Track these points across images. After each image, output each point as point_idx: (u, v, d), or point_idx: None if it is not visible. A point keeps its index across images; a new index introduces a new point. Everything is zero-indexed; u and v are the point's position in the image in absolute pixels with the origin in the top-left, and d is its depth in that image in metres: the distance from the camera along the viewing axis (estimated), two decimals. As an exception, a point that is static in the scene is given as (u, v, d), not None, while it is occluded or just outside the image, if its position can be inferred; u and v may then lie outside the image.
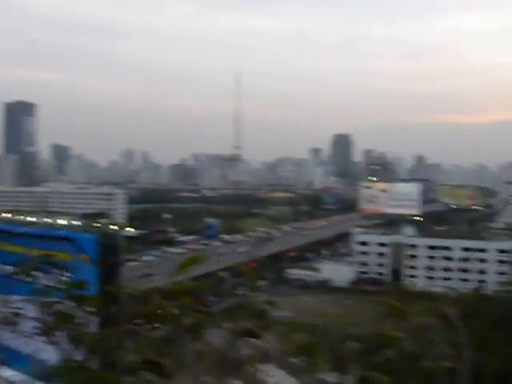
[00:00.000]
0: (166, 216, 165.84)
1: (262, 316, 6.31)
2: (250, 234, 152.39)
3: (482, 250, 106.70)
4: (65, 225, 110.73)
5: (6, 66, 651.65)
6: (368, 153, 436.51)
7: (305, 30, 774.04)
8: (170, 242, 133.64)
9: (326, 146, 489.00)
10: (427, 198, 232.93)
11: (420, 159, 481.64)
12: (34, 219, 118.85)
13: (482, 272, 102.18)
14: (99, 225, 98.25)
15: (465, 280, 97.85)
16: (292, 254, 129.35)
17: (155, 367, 5.66)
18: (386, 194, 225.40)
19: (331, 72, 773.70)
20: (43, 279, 10.41)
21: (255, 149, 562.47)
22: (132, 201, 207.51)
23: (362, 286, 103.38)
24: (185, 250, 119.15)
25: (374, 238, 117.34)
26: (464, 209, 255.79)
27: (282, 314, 74.81)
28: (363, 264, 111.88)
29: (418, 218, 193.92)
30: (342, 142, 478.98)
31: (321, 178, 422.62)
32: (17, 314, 9.99)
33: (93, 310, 6.41)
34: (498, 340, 26.15)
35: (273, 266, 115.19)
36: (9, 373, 32.14)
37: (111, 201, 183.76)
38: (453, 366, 8.38)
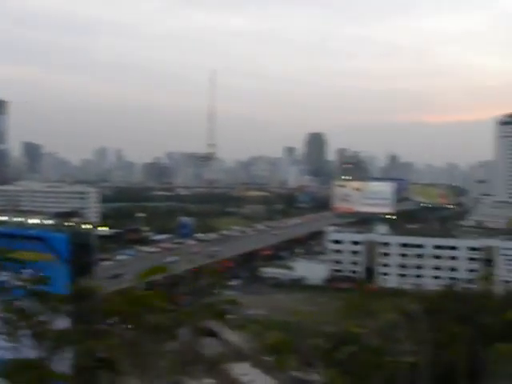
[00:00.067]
0: (140, 215, 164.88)
1: (222, 316, 6.45)
2: (225, 232, 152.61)
3: (453, 248, 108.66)
4: (36, 224, 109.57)
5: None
6: (342, 152, 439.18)
7: (279, 29, 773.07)
8: (144, 241, 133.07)
9: (300, 145, 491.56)
10: (400, 197, 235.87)
11: (393, 158, 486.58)
12: (4, 218, 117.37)
13: (453, 269, 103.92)
14: (72, 224, 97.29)
15: (436, 277, 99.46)
16: (266, 252, 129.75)
17: (108, 365, 5.76)
18: (360, 193, 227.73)
19: (306, 71, 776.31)
20: (3, 277, 10.41)
21: (230, 147, 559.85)
22: (105, 199, 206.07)
23: (335, 283, 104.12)
24: (159, 249, 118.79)
25: (347, 236, 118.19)
26: (436, 207, 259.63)
27: (256, 313, 75.28)
28: (337, 262, 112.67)
29: (390, 217, 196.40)
30: (316, 141, 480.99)
31: (295, 177, 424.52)
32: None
33: (57, 307, 6.48)
34: (462, 335, 26.63)
35: (247, 264, 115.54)
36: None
37: (84, 199, 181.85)
38: (414, 361, 8.63)
